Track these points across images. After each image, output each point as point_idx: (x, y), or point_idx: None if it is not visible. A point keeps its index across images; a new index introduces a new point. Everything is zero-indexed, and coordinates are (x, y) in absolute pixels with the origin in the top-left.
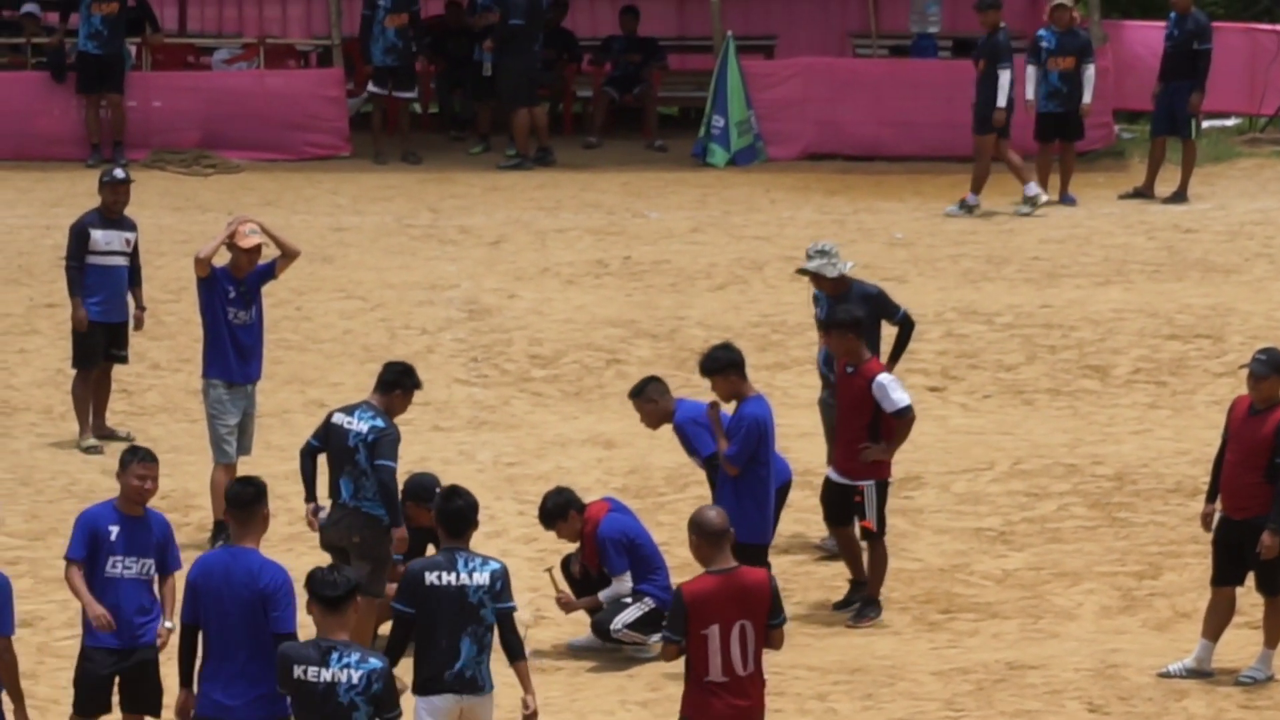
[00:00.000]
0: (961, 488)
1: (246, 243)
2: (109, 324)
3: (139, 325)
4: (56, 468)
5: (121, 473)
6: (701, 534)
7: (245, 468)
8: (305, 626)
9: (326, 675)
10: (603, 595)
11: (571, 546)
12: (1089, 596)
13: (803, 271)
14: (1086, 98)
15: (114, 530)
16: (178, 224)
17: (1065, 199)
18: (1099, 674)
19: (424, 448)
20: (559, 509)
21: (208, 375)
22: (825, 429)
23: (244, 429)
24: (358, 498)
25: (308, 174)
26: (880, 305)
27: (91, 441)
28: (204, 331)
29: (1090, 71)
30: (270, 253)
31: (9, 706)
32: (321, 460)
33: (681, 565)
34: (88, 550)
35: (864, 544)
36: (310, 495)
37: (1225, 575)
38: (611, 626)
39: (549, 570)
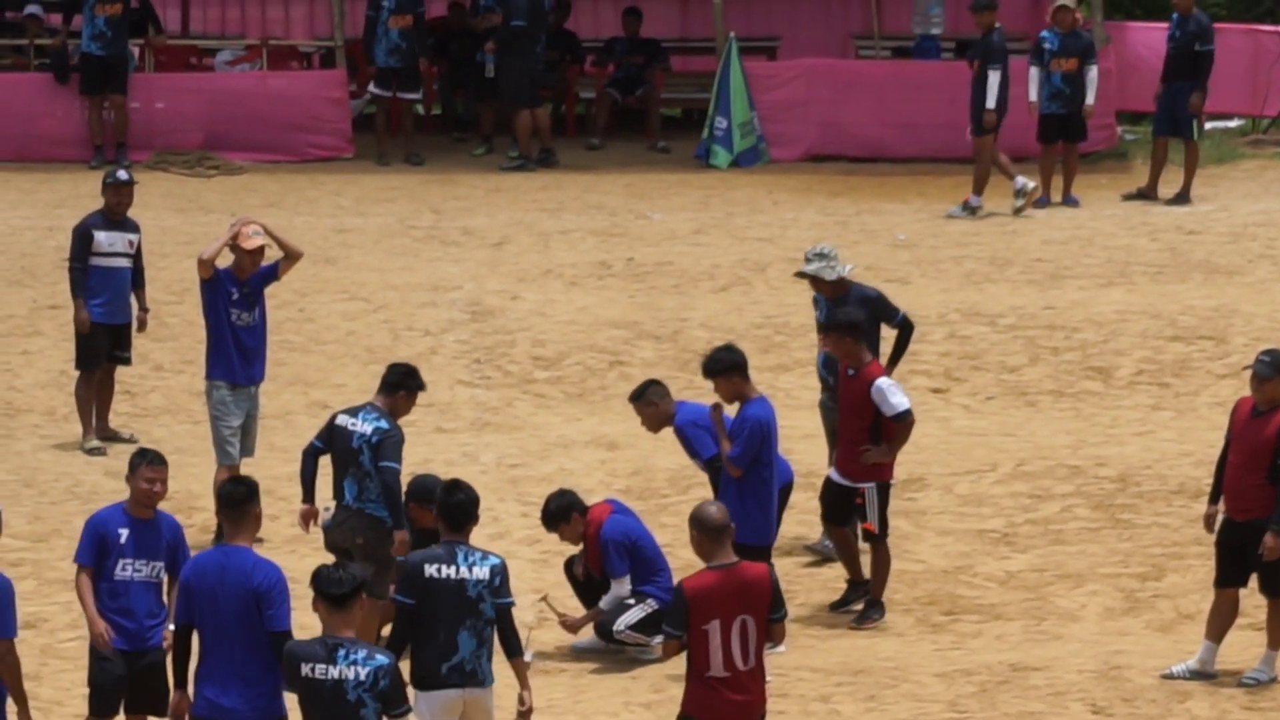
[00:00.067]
0: (964, 489)
1: (249, 244)
2: (112, 325)
3: (142, 327)
4: (60, 469)
5: (131, 476)
6: (702, 529)
7: (248, 470)
8: (308, 628)
9: (334, 673)
10: (603, 602)
11: (574, 549)
12: (1092, 598)
13: (801, 275)
14: (1089, 99)
15: (124, 533)
16: (181, 225)
17: (1068, 200)
18: (1102, 675)
19: (427, 449)
20: (561, 511)
21: (211, 377)
22: (826, 432)
23: (247, 431)
24: (362, 499)
25: (311, 175)
26: (879, 308)
27: (95, 443)
28: (207, 333)
29: (1093, 73)
30: (273, 254)
31: (13, 709)
32: (323, 462)
33: (685, 567)
34: (97, 554)
35: (866, 546)
36: (308, 496)
37: (1228, 577)
38: (614, 628)
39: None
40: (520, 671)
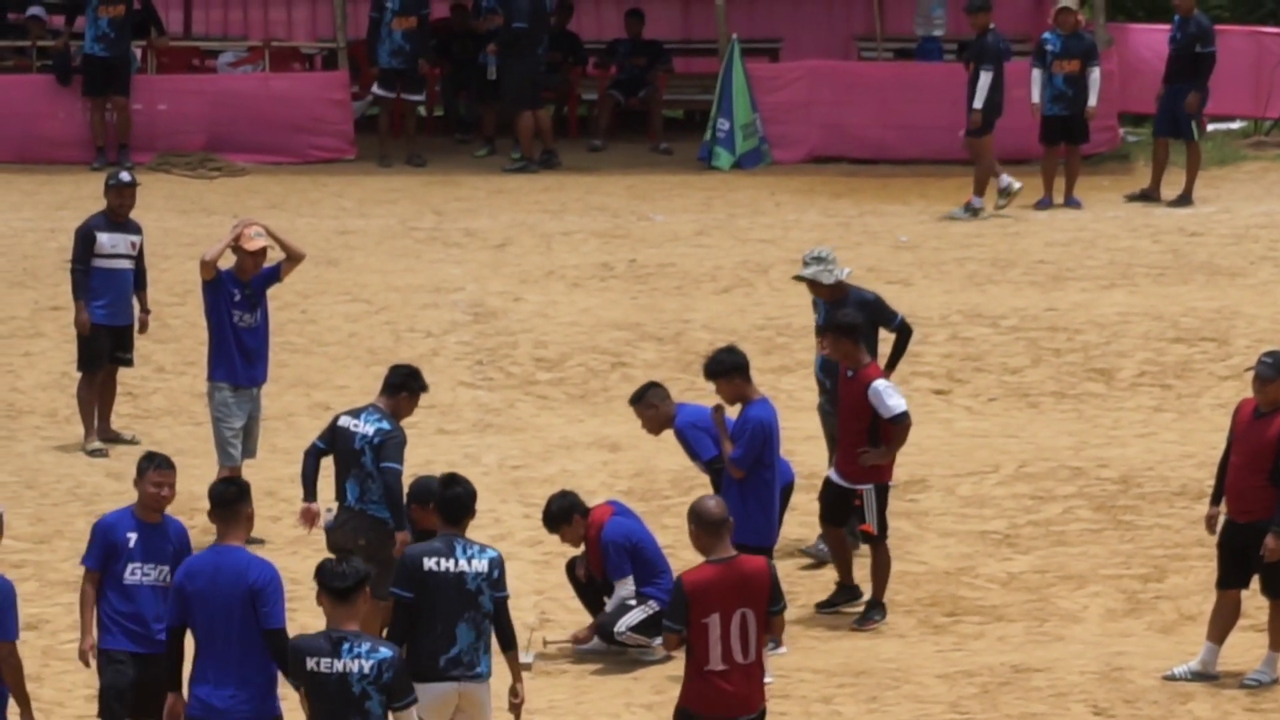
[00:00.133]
0: (966, 490)
1: (251, 245)
2: (114, 327)
3: (144, 328)
4: (62, 471)
5: (138, 480)
6: (700, 523)
7: (250, 471)
8: (308, 629)
9: (339, 666)
10: (609, 603)
11: (575, 550)
12: (1094, 599)
13: (799, 278)
14: (1092, 101)
15: (132, 537)
16: (183, 227)
17: (1070, 202)
18: (1104, 677)
19: (429, 450)
20: (563, 513)
21: (213, 378)
22: (825, 436)
23: (249, 432)
24: (363, 500)
25: (313, 177)
26: (877, 311)
27: (96, 444)
28: (209, 334)
29: (1095, 74)
30: (275, 255)
31: (15, 711)
32: (325, 464)
33: (686, 568)
34: (103, 558)
35: (865, 548)
36: (309, 495)
37: (1230, 578)
38: (616, 629)
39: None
40: (514, 665)
